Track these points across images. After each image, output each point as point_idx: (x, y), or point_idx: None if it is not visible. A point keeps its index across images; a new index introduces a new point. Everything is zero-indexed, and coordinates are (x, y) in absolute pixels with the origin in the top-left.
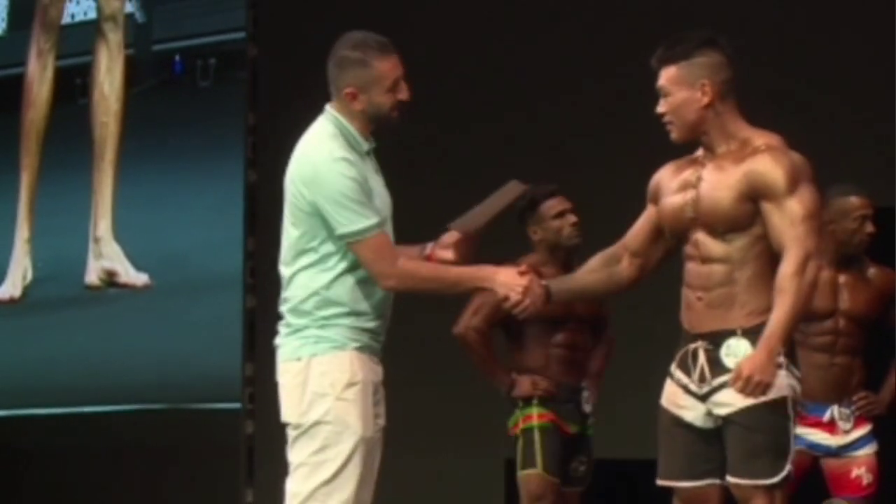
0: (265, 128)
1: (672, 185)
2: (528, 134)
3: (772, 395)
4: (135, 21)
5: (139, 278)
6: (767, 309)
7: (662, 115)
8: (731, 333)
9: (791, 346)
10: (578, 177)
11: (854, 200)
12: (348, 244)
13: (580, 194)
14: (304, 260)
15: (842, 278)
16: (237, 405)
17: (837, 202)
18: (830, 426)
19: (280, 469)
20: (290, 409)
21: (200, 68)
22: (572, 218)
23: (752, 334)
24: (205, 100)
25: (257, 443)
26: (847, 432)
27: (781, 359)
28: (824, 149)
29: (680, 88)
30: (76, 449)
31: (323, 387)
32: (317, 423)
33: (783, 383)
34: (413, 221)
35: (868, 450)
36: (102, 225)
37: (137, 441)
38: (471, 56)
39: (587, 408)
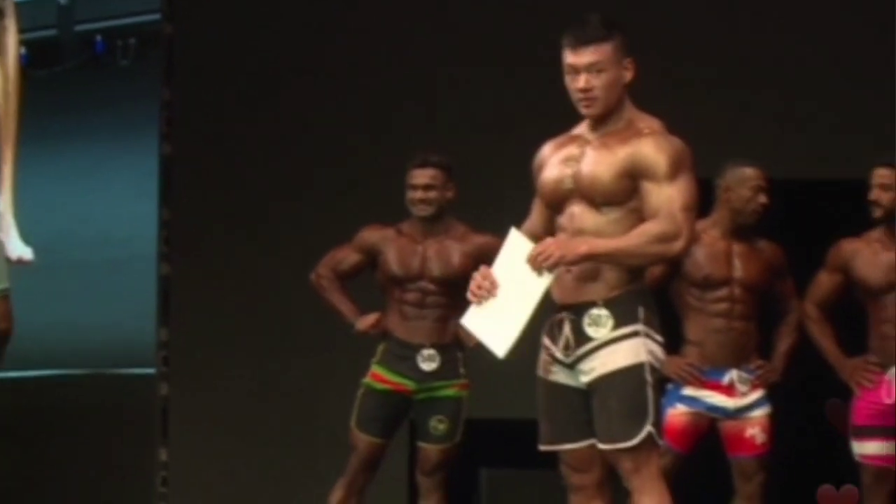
0: (179, 103)
1: (554, 160)
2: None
3: (629, 360)
4: (58, 3)
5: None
6: (629, 281)
7: (587, 90)
8: (593, 304)
9: (652, 315)
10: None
11: (749, 171)
12: None
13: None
14: None
15: (736, 248)
16: (152, 369)
17: (734, 171)
18: (729, 389)
19: (192, 428)
20: None
21: (121, 48)
22: (419, 193)
23: (613, 304)
24: (124, 78)
25: (171, 404)
26: (744, 395)
27: (641, 326)
28: (719, 122)
29: (613, 65)
30: None
31: None
32: None
33: (640, 349)
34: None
35: (762, 411)
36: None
37: (57, 404)
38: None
39: (425, 367)
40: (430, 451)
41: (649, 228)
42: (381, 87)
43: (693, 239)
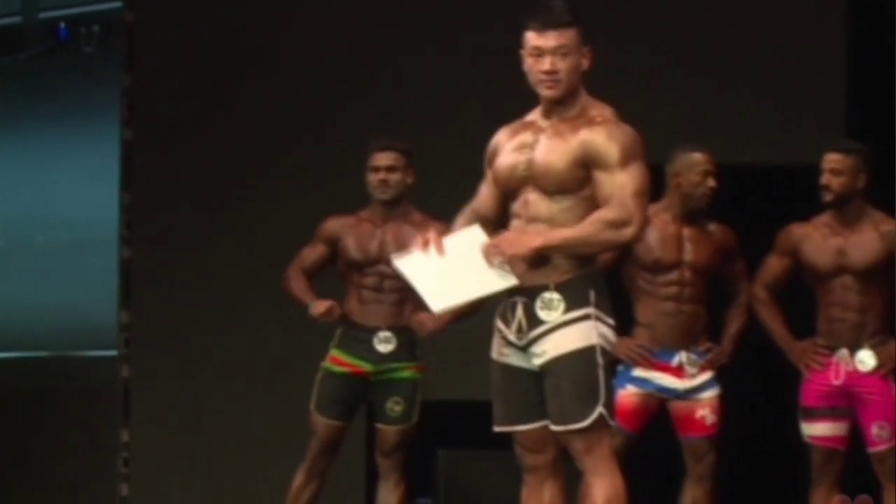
0: (140, 89)
1: (508, 146)
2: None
3: (580, 343)
4: None
5: None
6: (581, 265)
7: (553, 72)
8: (545, 288)
9: (603, 298)
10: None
11: (698, 156)
12: None
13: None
14: None
15: (686, 232)
16: (113, 352)
17: (683, 157)
18: (678, 370)
19: (152, 409)
20: None
21: (84, 35)
22: (381, 175)
23: (564, 288)
24: (88, 65)
25: (132, 386)
26: (693, 376)
27: (592, 310)
28: (672, 109)
29: (576, 51)
30: None
31: None
32: None
33: (591, 332)
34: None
35: (712, 392)
36: None
37: (19, 386)
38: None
39: (381, 349)
40: (388, 432)
41: (601, 216)
42: (341, 74)
43: (645, 225)
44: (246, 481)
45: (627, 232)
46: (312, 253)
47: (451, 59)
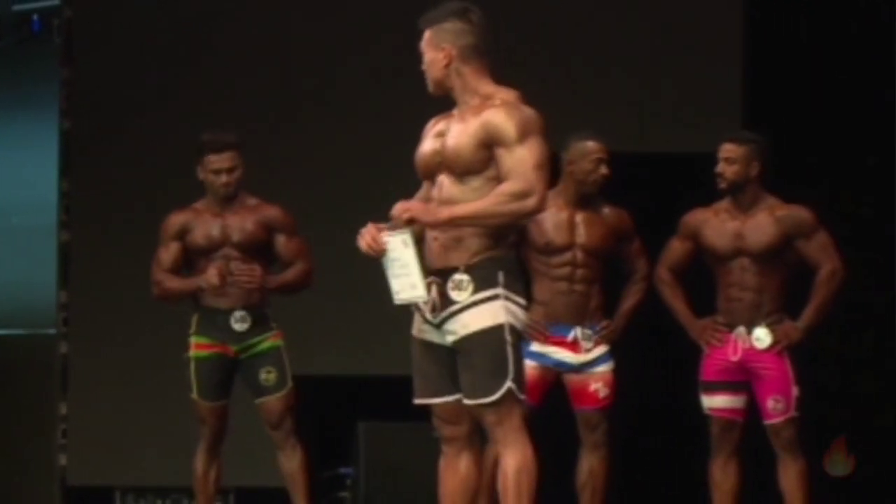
0: (77, 81)
1: (429, 135)
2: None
3: (488, 322)
4: None
5: None
6: (490, 248)
7: (425, 70)
8: (456, 270)
9: (513, 280)
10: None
11: (591, 144)
12: None
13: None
14: None
15: (579, 216)
16: (53, 330)
17: (577, 146)
18: (574, 345)
19: (89, 384)
20: None
21: (57, 27)
22: (223, 178)
23: (474, 269)
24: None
25: (70, 361)
26: (588, 351)
27: (501, 290)
28: (573, 99)
29: (430, 49)
30: None
31: None
32: None
33: (500, 312)
34: None
35: (605, 367)
36: None
37: None
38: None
39: (238, 327)
40: (271, 402)
41: (503, 188)
42: (275, 65)
43: (546, 196)
44: (178, 452)
45: (530, 202)
46: (167, 254)
47: (392, 50)
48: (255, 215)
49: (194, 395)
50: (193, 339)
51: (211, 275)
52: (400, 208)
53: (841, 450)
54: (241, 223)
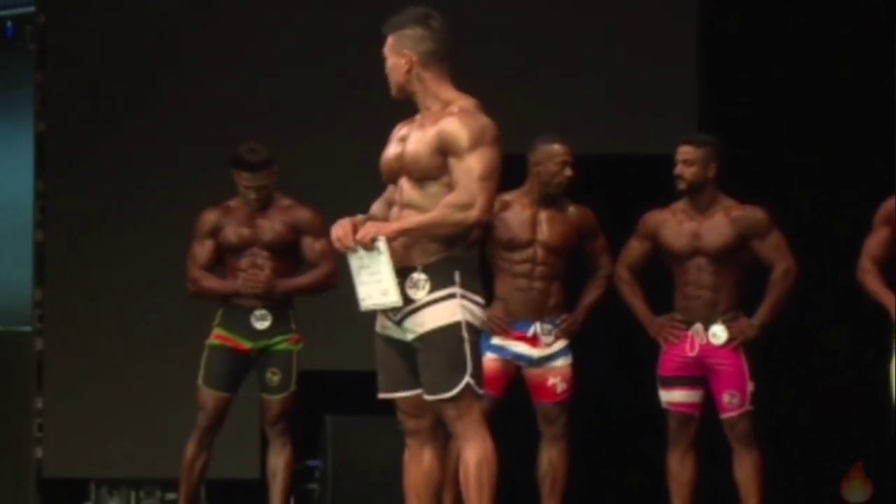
0: (53, 85)
1: (393, 140)
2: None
3: (445, 320)
4: None
5: None
6: (446, 248)
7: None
8: (413, 269)
9: (470, 278)
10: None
11: (557, 147)
12: None
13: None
14: None
15: (542, 214)
16: (28, 327)
17: (543, 148)
18: (534, 340)
19: (64, 380)
20: None
21: (30, 33)
22: (253, 195)
23: (430, 269)
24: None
25: (45, 358)
26: (548, 345)
27: (457, 289)
28: (538, 102)
29: (392, 55)
30: None
31: None
32: None
33: (456, 310)
34: None
35: (564, 361)
36: None
37: None
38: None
39: (258, 326)
40: (271, 401)
41: (448, 200)
42: (245, 72)
43: (491, 207)
44: (151, 445)
45: (472, 214)
46: (203, 251)
47: (359, 58)
48: (286, 216)
49: (200, 380)
50: (215, 330)
51: (253, 284)
52: (361, 234)
53: (859, 476)
54: (272, 224)
